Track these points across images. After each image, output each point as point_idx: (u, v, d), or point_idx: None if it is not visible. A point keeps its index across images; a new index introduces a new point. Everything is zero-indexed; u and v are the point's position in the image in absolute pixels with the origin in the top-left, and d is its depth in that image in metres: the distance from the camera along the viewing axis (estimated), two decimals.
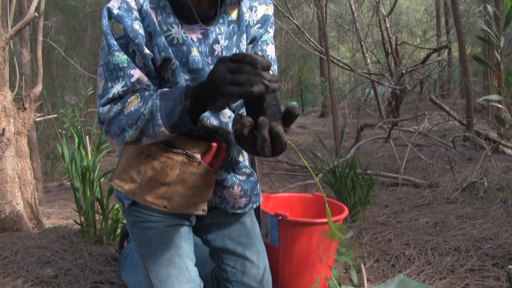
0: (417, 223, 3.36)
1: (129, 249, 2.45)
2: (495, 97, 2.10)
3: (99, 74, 1.55)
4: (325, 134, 8.29)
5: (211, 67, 1.55)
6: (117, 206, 3.31)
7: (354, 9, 9.94)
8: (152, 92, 1.51)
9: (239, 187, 1.87)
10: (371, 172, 3.72)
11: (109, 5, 1.50)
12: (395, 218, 3.51)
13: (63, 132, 5.03)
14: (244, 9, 1.70)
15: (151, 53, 1.54)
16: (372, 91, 9.97)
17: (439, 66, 9.99)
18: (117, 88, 1.49)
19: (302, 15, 14.24)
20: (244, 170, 1.88)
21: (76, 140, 3.39)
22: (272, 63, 1.72)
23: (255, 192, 1.96)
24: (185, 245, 1.83)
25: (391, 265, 2.66)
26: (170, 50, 1.56)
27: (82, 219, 3.23)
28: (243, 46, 1.71)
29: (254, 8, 1.72)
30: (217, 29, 1.63)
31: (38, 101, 4.60)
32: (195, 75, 1.61)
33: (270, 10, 1.76)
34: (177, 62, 1.58)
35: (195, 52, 1.59)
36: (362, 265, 2.59)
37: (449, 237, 2.98)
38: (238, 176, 1.88)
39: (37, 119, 4.50)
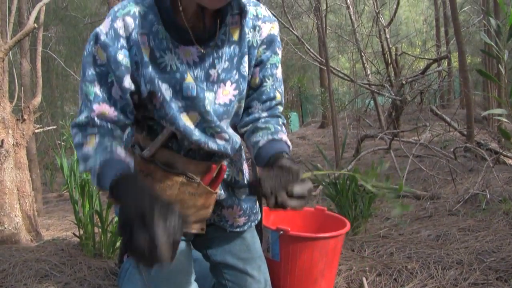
0: (419, 236, 3.33)
1: (129, 263, 2.42)
2: (498, 111, 2.08)
3: (79, 87, 1.55)
4: (325, 145, 8.26)
5: (206, 93, 1.55)
6: (116, 219, 3.28)
7: (354, 19, 9.95)
8: (107, 145, 1.46)
9: (238, 207, 1.87)
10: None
11: (98, 29, 1.47)
12: (396, 231, 3.48)
13: (62, 143, 4.99)
14: (247, 29, 1.60)
15: (130, 87, 1.51)
16: (372, 102, 9.96)
17: (439, 77, 10.00)
18: (82, 117, 1.48)
19: (302, 25, 14.27)
20: (243, 189, 1.87)
21: (76, 151, 3.37)
22: (279, 84, 1.71)
23: (254, 211, 1.95)
24: (184, 260, 1.81)
25: (393, 279, 2.63)
26: (156, 83, 1.51)
27: (81, 232, 3.20)
28: (244, 69, 1.62)
29: (257, 28, 1.62)
30: (214, 53, 1.56)
31: (37, 112, 4.59)
32: (189, 102, 1.56)
33: (275, 29, 1.67)
34: (170, 90, 1.53)
35: (189, 79, 1.54)
36: (364, 279, 2.56)
37: (451, 250, 2.95)
38: (237, 196, 1.87)
39: (36, 131, 4.48)
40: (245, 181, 1.90)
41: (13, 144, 3.67)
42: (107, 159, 1.40)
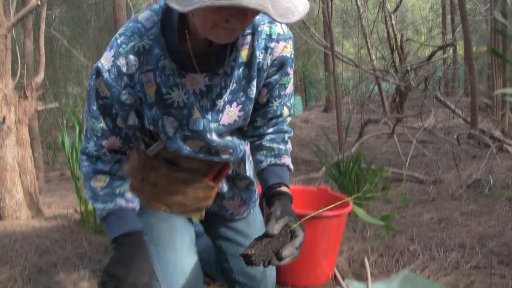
0: (421, 219, 3.32)
1: None
2: (511, 90, 2.05)
3: (85, 117, 1.58)
4: (329, 129, 8.20)
5: (212, 125, 1.56)
6: None
7: (360, 5, 9.88)
8: (116, 190, 1.57)
9: (239, 198, 1.94)
10: (375, 167, 3.66)
11: (99, 65, 1.42)
12: (399, 214, 3.46)
13: (64, 122, 4.97)
14: (258, 52, 1.52)
15: (135, 123, 1.55)
16: (376, 88, 9.91)
17: (444, 64, 9.94)
18: (91, 147, 1.55)
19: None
20: (244, 180, 1.92)
21: (77, 129, 3.35)
22: (288, 99, 1.68)
23: (254, 200, 2.02)
24: (185, 235, 1.84)
25: (395, 260, 2.62)
26: (160, 124, 1.54)
27: (83, 209, 3.19)
28: (252, 92, 1.57)
29: (269, 50, 1.53)
30: (223, 82, 1.51)
31: (40, 90, 4.56)
32: (195, 135, 1.58)
33: (288, 49, 1.56)
34: (176, 123, 1.55)
35: (196, 115, 1.53)
36: (365, 259, 2.55)
37: (453, 233, 2.94)
38: (238, 187, 1.93)
39: (39, 109, 4.46)
40: (247, 172, 1.93)
41: (15, 121, 3.65)
42: (114, 209, 1.52)
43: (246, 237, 1.96)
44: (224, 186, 1.87)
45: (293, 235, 1.43)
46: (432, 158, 5.22)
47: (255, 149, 1.72)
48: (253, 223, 2.02)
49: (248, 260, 1.35)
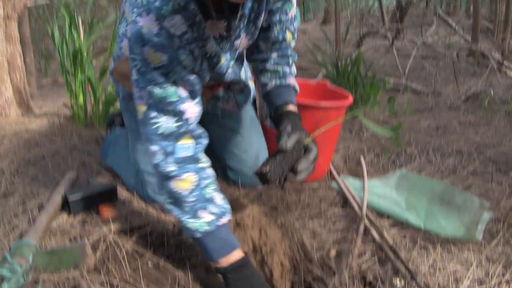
0: (418, 125, 3.25)
1: (115, 136, 2.40)
2: None
3: (137, 96, 1.40)
4: (327, 42, 8.02)
5: (230, 63, 1.60)
6: (109, 88, 3.18)
7: None
8: (205, 192, 1.45)
9: (234, 100, 2.03)
10: (373, 75, 3.55)
11: (142, 30, 1.28)
12: (396, 119, 3.38)
13: (55, 17, 4.74)
14: None
15: (196, 78, 1.44)
16: (376, 3, 9.65)
17: None
18: (168, 123, 1.39)
19: None
20: (240, 84, 1.97)
21: (67, 20, 3.16)
22: (290, 23, 1.68)
23: (248, 101, 2.10)
24: None
25: (392, 161, 2.56)
26: (200, 76, 1.48)
27: (73, 103, 3.09)
28: (260, 22, 1.57)
29: None
30: (241, 23, 1.49)
31: None
32: (216, 76, 1.61)
33: None
34: (207, 70, 1.50)
35: (222, 61, 1.53)
36: (361, 157, 2.49)
37: (451, 140, 2.89)
38: (233, 90, 2.00)
39: (28, 5, 4.26)
40: (243, 77, 1.93)
41: (3, 17, 3.47)
42: (210, 231, 1.42)
43: (234, 130, 2.09)
44: (220, 90, 1.94)
45: (306, 149, 1.44)
46: (431, 71, 5.12)
47: (259, 73, 1.72)
48: (243, 119, 2.12)
49: (264, 177, 1.33)
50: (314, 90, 2.53)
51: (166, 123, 1.38)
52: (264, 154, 2.13)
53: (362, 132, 2.96)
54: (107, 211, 1.85)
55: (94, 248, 1.61)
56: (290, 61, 1.71)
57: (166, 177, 1.41)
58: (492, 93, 3.89)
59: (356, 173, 2.37)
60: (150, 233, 1.75)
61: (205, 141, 1.47)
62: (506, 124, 3.28)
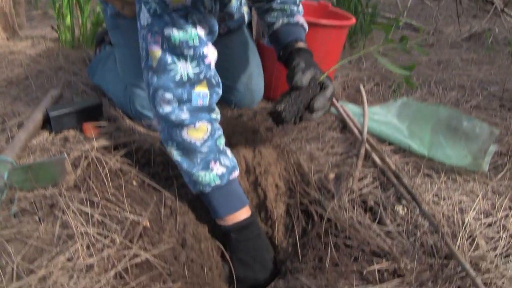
0: (419, 59, 3.12)
1: (105, 53, 2.26)
2: None
3: (150, 41, 1.24)
4: None
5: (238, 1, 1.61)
6: (98, 9, 3.00)
7: None
8: (217, 145, 1.35)
9: (226, 27, 1.93)
10: (373, 7, 3.38)
11: None
12: (396, 52, 3.24)
13: None
14: None
15: (213, 18, 1.31)
16: None
17: None
18: (187, 69, 1.24)
19: None
20: (236, 16, 1.87)
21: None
22: None
23: (241, 27, 2.03)
24: None
25: (392, 90, 2.44)
26: (216, 15, 1.37)
27: (60, 24, 2.91)
28: None
29: None
30: None
31: None
32: (226, 15, 1.64)
33: None
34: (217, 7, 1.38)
35: (233, 1, 1.55)
36: (361, 86, 2.36)
37: (453, 75, 2.77)
38: (229, 21, 1.91)
39: None
40: (242, 10, 1.94)
41: None
42: (220, 185, 1.34)
43: (228, 49, 1.97)
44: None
45: (322, 86, 1.35)
46: (432, 9, 4.96)
47: (264, 13, 1.63)
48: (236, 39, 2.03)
49: (278, 117, 1.27)
50: (315, 11, 2.37)
51: (184, 69, 1.24)
52: (258, 70, 2.03)
53: (361, 63, 2.82)
54: (91, 129, 1.72)
55: (75, 165, 1.49)
56: (297, 0, 1.63)
57: (179, 126, 1.27)
58: (496, 31, 3.75)
59: (356, 100, 2.25)
60: (136, 150, 1.62)
61: (220, 91, 1.34)
62: (509, 64, 3.16)
